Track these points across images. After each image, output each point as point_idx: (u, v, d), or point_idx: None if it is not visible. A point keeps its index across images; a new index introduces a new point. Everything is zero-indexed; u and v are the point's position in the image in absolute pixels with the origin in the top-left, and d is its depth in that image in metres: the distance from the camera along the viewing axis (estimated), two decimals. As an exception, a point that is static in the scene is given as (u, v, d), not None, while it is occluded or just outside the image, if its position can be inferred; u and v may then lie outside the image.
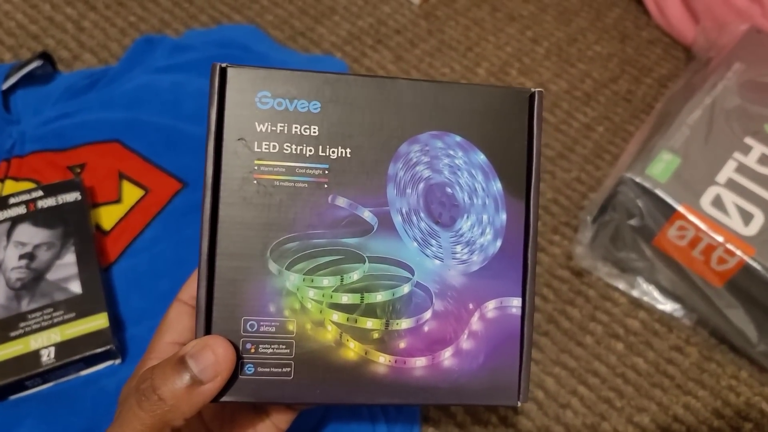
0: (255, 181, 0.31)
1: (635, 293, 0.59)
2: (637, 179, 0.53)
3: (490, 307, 0.32)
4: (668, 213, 0.53)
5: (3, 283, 0.46)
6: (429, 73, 0.72)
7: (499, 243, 0.32)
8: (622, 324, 0.58)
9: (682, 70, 0.74)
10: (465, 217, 0.32)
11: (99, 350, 0.44)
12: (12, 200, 0.49)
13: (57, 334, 0.44)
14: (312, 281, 0.31)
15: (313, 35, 0.73)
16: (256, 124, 0.31)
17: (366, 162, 0.32)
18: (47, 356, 0.43)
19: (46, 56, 0.59)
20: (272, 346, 0.31)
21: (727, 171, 0.54)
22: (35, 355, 0.44)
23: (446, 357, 0.32)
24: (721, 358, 0.57)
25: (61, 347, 0.44)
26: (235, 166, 0.30)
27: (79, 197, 0.49)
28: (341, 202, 0.31)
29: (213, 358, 0.29)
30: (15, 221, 0.48)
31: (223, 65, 0.30)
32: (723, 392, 0.55)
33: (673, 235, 0.54)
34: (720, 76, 0.60)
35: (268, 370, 0.31)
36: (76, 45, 0.68)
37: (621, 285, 0.59)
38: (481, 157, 0.32)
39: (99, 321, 0.45)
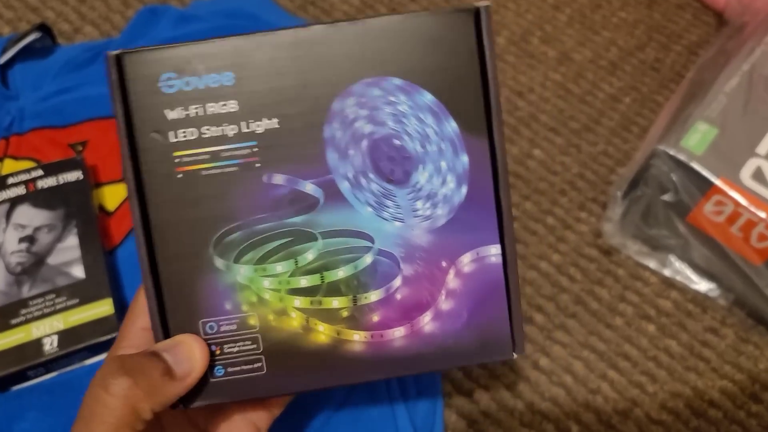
0: (180, 175, 0.28)
1: (667, 272, 0.56)
2: (671, 152, 0.50)
3: (466, 261, 0.29)
4: (705, 187, 0.50)
5: (3, 268, 0.44)
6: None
7: (464, 190, 0.29)
8: (654, 305, 0.55)
9: (713, 36, 0.71)
10: (420, 168, 0.29)
11: (104, 338, 0.42)
12: (11, 180, 0.46)
13: (60, 322, 0.42)
14: (264, 270, 0.29)
15: (324, 4, 0.69)
16: (167, 111, 0.28)
17: (297, 129, 0.28)
18: (50, 345, 0.41)
19: (44, 28, 0.56)
20: (237, 344, 0.29)
21: (769, 142, 0.51)
22: (37, 343, 0.41)
23: (426, 322, 0.29)
24: (759, 340, 0.54)
25: (65, 335, 0.42)
26: (154, 162, 0.28)
27: (81, 176, 0.47)
28: (278, 179, 0.28)
29: (188, 353, 0.28)
30: (14, 202, 0.46)
31: (117, 52, 0.27)
32: (761, 376, 0.52)
33: (709, 211, 0.51)
34: (758, 41, 0.56)
35: (238, 368, 0.29)
36: (77, 17, 0.65)
37: (652, 264, 0.56)
38: (428, 97, 0.29)
39: (103, 307, 0.42)
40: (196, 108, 0.28)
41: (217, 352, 0.29)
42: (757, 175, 0.49)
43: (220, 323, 0.29)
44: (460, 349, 0.30)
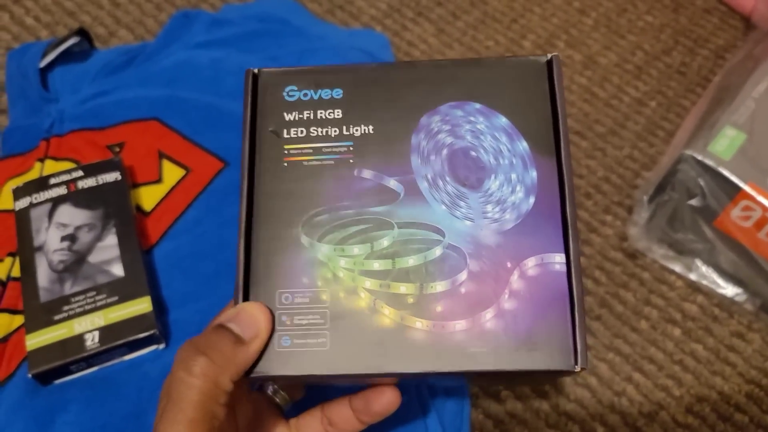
0: (285, 164, 0.33)
1: (693, 276, 0.56)
2: (699, 156, 0.50)
3: (531, 264, 0.31)
4: (733, 192, 0.50)
5: (46, 266, 0.45)
6: (472, 47, 0.69)
7: (532, 200, 0.32)
8: (679, 308, 0.55)
9: (740, 40, 0.71)
10: (492, 177, 0.33)
11: (143, 335, 0.43)
12: (53, 180, 0.48)
13: (101, 318, 0.43)
14: (342, 250, 0.32)
15: (352, 8, 0.70)
16: (285, 114, 0.34)
17: (389, 135, 0.33)
18: (91, 340, 0.43)
19: (82, 33, 0.58)
20: (307, 317, 0.31)
21: (797, 147, 0.51)
22: (79, 339, 0.43)
23: (487, 319, 0.30)
24: (785, 345, 0.54)
25: (105, 331, 0.43)
26: (268, 152, 0.33)
27: (119, 177, 0.48)
28: (367, 174, 0.33)
29: (251, 317, 0.30)
30: (56, 202, 0.47)
31: (255, 71, 0.34)
32: (787, 380, 0.53)
33: (737, 216, 0.51)
34: (786, 46, 0.57)
35: (304, 341, 0.31)
36: (112, 21, 0.66)
37: (678, 268, 0.57)
38: (503, 120, 0.33)
39: (142, 305, 0.44)
40: (309, 113, 0.34)
41: (288, 322, 0.31)
42: (785, 180, 0.49)
43: (295, 295, 0.31)
44: (520, 354, 0.30)
